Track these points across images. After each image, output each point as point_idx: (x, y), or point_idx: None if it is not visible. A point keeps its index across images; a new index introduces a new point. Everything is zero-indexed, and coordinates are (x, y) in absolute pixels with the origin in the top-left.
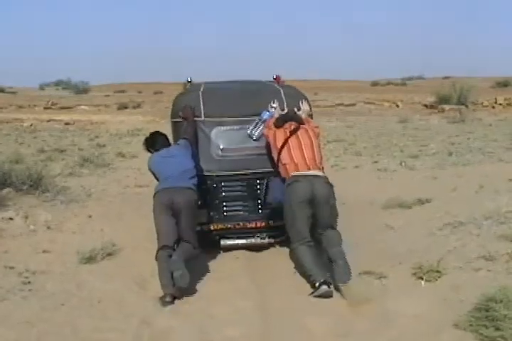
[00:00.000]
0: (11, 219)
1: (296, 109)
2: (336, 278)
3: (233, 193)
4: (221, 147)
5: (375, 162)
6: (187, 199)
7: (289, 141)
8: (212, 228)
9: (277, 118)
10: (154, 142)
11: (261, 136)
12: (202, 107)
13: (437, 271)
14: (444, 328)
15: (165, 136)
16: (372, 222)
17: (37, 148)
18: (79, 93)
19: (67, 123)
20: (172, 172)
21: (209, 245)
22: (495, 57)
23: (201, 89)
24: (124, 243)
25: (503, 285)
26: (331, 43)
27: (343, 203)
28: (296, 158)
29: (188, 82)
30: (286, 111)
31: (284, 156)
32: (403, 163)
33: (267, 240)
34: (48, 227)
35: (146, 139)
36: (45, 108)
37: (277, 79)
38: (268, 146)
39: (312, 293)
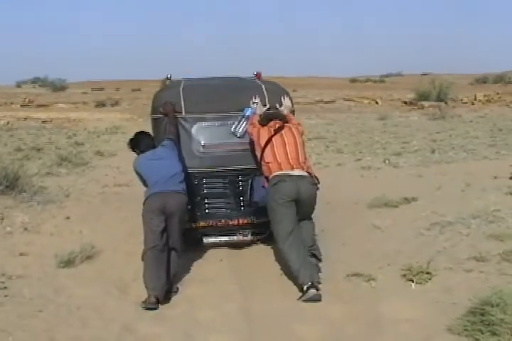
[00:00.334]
0: None
1: (278, 105)
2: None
3: (215, 190)
4: (202, 143)
5: (358, 160)
6: (179, 203)
7: (273, 139)
8: (194, 225)
9: (262, 117)
10: (139, 142)
11: (245, 132)
12: (182, 103)
13: (427, 273)
14: (438, 333)
15: (150, 136)
16: (358, 221)
17: (14, 147)
18: (56, 90)
19: (44, 121)
20: (161, 177)
21: (191, 242)
22: (473, 54)
23: (181, 85)
24: (103, 245)
25: (498, 289)
26: (310, 41)
27: (327, 202)
28: (280, 157)
29: (168, 78)
30: (267, 106)
31: (268, 155)
32: (387, 161)
33: (249, 237)
34: (25, 229)
35: (131, 140)
36: (21, 105)
37: (258, 76)
38: (251, 143)
39: (300, 297)
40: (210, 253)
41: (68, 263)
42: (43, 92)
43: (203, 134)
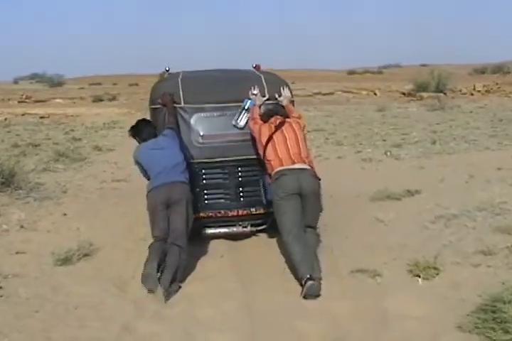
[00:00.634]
0: None
1: (277, 96)
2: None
3: (214, 181)
4: (201, 134)
5: (359, 152)
6: (183, 192)
7: (274, 136)
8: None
9: (263, 114)
10: (140, 130)
11: (246, 124)
12: (181, 93)
13: (434, 268)
14: (447, 330)
15: (152, 125)
16: (361, 215)
17: (11, 143)
18: (54, 86)
19: (42, 117)
20: (163, 168)
21: (191, 234)
22: (472, 44)
23: (180, 76)
24: (101, 242)
25: (509, 284)
26: (307, 33)
27: (330, 196)
28: (281, 153)
29: (166, 71)
30: (267, 97)
31: (269, 153)
32: (388, 153)
33: (249, 229)
34: (22, 226)
35: (132, 127)
36: (19, 102)
37: (257, 68)
38: (252, 136)
39: (301, 292)
40: (211, 248)
41: (65, 261)
42: (40, 88)
43: (202, 125)
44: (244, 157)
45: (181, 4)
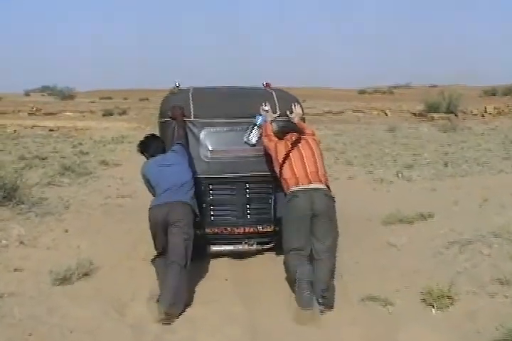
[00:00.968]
0: None
1: (288, 112)
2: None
3: (222, 197)
4: (210, 149)
5: (370, 172)
6: (183, 213)
7: (291, 154)
8: (198, 232)
9: (277, 131)
10: (148, 146)
11: (258, 141)
12: (191, 107)
13: (449, 297)
14: None
15: (160, 140)
16: (372, 238)
17: (17, 155)
18: (64, 99)
19: (51, 130)
20: (172, 185)
21: (195, 251)
22: (481, 66)
23: (191, 91)
24: (102, 261)
25: None
26: (319, 52)
27: (340, 218)
28: (298, 171)
29: (176, 87)
30: (278, 113)
31: (286, 171)
32: (400, 174)
33: (255, 247)
34: (21, 242)
35: (141, 142)
36: (29, 114)
37: (267, 85)
38: (265, 153)
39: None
40: (215, 269)
41: (64, 280)
42: (51, 101)
43: (211, 139)
44: (252, 173)
45: (199, 19)
